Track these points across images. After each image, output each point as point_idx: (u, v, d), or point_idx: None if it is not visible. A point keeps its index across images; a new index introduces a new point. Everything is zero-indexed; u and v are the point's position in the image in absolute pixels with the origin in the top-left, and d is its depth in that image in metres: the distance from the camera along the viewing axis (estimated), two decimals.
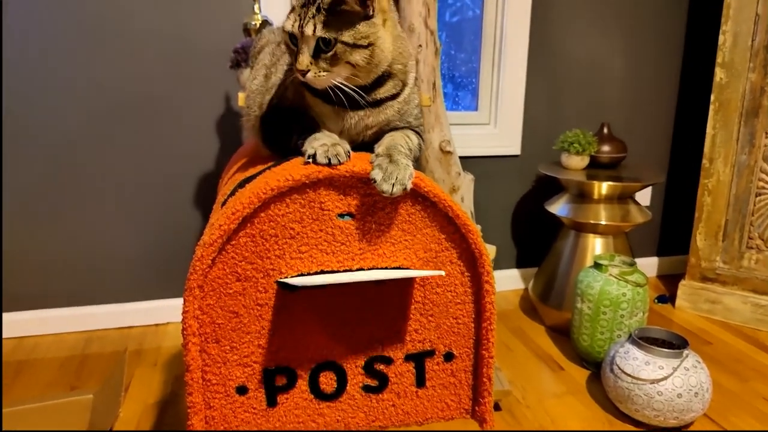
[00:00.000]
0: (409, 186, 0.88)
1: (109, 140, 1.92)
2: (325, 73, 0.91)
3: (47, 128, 1.86)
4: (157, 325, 2.08)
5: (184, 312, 0.85)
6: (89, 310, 2.03)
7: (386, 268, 0.92)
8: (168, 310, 2.09)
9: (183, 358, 0.87)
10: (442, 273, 0.93)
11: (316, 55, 0.90)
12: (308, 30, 0.89)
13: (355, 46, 0.90)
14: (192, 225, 2.06)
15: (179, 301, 2.09)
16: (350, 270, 0.91)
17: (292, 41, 0.93)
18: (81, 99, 1.86)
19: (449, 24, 2.32)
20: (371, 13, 0.91)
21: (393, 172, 0.87)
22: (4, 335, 1.95)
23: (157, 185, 1.99)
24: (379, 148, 0.95)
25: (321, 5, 0.89)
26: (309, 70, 0.90)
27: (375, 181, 0.87)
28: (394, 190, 0.86)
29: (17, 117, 1.83)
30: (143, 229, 2.02)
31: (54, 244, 1.95)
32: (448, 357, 0.99)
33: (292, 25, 0.91)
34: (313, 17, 0.89)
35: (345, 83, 0.93)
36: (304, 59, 0.90)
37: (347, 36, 0.90)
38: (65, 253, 1.97)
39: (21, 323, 1.97)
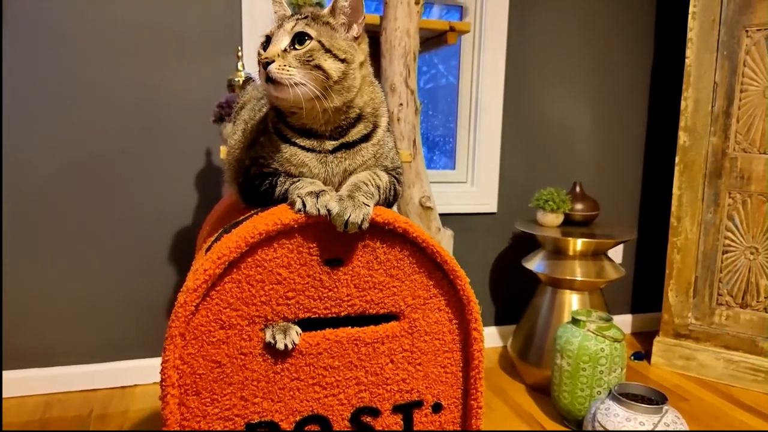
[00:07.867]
0: (365, 225, 0.86)
1: (81, 195, 1.88)
2: (291, 69, 0.86)
3: (19, 180, 1.82)
4: (124, 387, 1.99)
5: (164, 362, 0.82)
6: (51, 371, 1.93)
7: (374, 316, 0.91)
8: (136, 372, 2.00)
9: (161, 412, 0.83)
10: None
11: (287, 50, 0.88)
12: (288, 25, 0.89)
13: (329, 52, 0.89)
14: (164, 284, 2.00)
15: (148, 362, 2.01)
16: (337, 316, 0.89)
17: (266, 46, 0.91)
18: (56, 153, 1.84)
19: (424, 90, 2.40)
20: (355, 35, 0.93)
21: (347, 208, 0.85)
22: None
23: (129, 242, 1.95)
24: (344, 187, 0.92)
25: (310, 15, 0.91)
26: (274, 61, 0.86)
27: (329, 215, 0.85)
28: (348, 228, 0.85)
29: None
30: (113, 287, 1.95)
31: (13, 300, 1.87)
32: (437, 408, 0.96)
33: (271, 30, 0.91)
34: (297, 21, 0.89)
35: (310, 87, 0.88)
36: (274, 48, 0.88)
37: (325, 39, 0.89)
38: (25, 310, 1.88)
39: None
